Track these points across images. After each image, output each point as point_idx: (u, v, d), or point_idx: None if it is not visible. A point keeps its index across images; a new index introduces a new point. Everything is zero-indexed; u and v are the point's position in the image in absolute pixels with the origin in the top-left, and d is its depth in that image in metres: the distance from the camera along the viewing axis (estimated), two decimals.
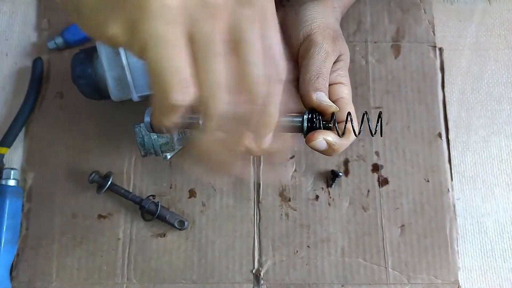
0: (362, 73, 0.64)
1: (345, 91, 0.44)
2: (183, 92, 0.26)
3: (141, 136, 0.55)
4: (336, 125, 0.40)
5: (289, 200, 0.61)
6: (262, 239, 0.60)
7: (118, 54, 0.52)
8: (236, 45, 0.27)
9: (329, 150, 0.40)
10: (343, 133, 0.40)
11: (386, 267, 0.59)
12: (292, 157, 0.62)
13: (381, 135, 0.40)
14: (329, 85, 0.43)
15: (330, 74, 0.43)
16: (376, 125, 0.40)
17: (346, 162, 0.62)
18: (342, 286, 0.58)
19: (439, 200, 0.61)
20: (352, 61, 0.50)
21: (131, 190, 0.61)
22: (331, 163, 0.62)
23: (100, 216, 0.61)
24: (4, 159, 0.62)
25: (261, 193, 0.61)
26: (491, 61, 0.66)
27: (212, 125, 0.28)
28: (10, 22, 0.67)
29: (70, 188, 0.61)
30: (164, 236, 0.60)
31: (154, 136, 0.55)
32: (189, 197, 0.61)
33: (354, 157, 0.62)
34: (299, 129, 0.41)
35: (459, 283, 0.58)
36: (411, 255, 0.59)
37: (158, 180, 0.62)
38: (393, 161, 0.62)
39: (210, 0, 0.25)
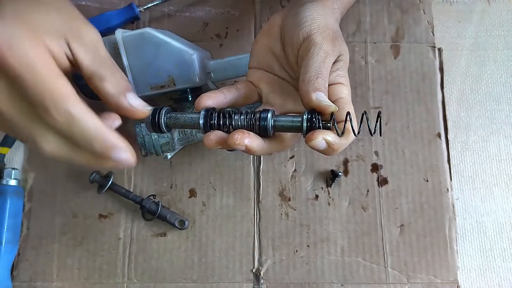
0: (361, 73, 0.65)
1: (344, 91, 0.44)
2: None
3: (141, 136, 0.55)
4: (336, 124, 0.40)
5: (289, 200, 0.61)
6: (262, 238, 0.60)
7: (119, 54, 0.52)
8: None
9: (328, 150, 0.40)
10: (343, 133, 0.40)
11: (385, 267, 0.59)
12: (292, 157, 0.62)
13: (380, 135, 0.41)
14: (329, 85, 0.43)
15: (329, 74, 0.44)
16: (376, 125, 0.40)
17: (345, 162, 0.62)
18: (342, 285, 0.58)
19: (438, 200, 0.61)
20: (351, 61, 0.51)
21: (131, 190, 0.61)
22: (331, 163, 0.62)
23: (100, 216, 0.61)
24: (5, 159, 0.62)
25: (261, 193, 0.61)
26: (490, 61, 0.66)
27: None
28: None
29: (70, 188, 0.62)
30: (164, 235, 0.60)
31: (154, 136, 0.55)
32: (190, 197, 0.61)
33: (354, 157, 0.62)
34: (298, 128, 0.41)
35: (458, 282, 0.58)
36: (411, 255, 0.59)
37: (158, 180, 0.62)
38: (392, 161, 0.62)
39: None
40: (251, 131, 0.42)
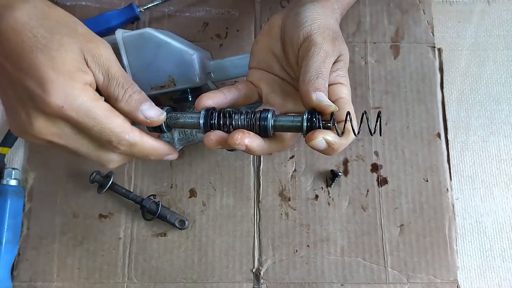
0: (361, 74, 0.65)
1: (344, 91, 0.44)
2: None
3: None
4: (336, 124, 0.40)
5: (289, 199, 0.61)
6: (262, 238, 0.60)
7: (119, 55, 0.52)
8: None
9: (328, 150, 0.40)
10: (343, 133, 0.40)
11: (385, 267, 0.59)
12: (292, 157, 0.62)
13: (380, 135, 0.41)
14: (329, 85, 0.43)
15: (329, 74, 0.44)
16: (375, 125, 0.40)
17: (345, 162, 0.62)
18: (342, 285, 0.58)
19: (438, 199, 0.61)
20: (351, 61, 0.51)
21: (131, 190, 0.61)
22: (331, 163, 0.62)
23: (101, 216, 0.61)
24: (5, 159, 0.62)
25: (261, 193, 0.61)
26: (490, 61, 0.66)
27: None
28: None
29: (71, 187, 0.62)
30: (164, 235, 0.60)
31: None
32: (190, 197, 0.61)
33: (354, 157, 0.62)
34: (299, 128, 0.41)
35: (458, 282, 0.58)
36: (410, 255, 0.59)
37: (158, 179, 0.62)
38: (392, 161, 0.62)
39: None
40: (251, 131, 0.42)
